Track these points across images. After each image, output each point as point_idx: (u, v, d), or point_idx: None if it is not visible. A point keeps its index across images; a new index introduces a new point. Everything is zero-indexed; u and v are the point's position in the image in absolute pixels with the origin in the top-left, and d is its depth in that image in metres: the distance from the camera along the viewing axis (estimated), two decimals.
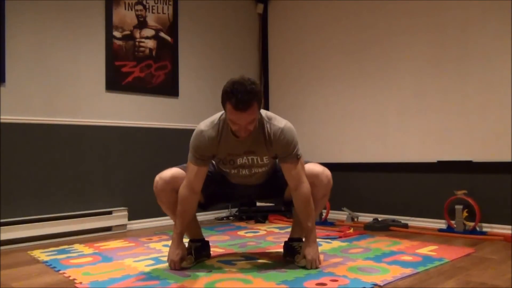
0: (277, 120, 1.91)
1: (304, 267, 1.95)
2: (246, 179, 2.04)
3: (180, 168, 2.06)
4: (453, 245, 2.42)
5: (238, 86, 1.69)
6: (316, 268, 1.94)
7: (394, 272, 1.86)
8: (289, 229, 2.25)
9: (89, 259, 2.23)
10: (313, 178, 1.98)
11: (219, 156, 1.95)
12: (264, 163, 1.97)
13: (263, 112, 1.93)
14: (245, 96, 1.67)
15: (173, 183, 1.99)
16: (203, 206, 2.16)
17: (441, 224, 3.00)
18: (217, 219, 3.68)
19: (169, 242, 2.64)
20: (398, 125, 3.26)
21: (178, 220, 1.97)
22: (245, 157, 1.94)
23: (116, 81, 3.24)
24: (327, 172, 2.01)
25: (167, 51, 3.54)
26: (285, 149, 1.88)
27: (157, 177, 2.01)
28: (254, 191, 2.15)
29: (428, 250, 2.30)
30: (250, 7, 4.20)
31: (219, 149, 1.91)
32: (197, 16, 3.78)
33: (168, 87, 3.53)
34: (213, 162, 2.15)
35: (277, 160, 2.08)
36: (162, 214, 3.40)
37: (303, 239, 2.12)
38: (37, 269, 2.07)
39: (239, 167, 1.98)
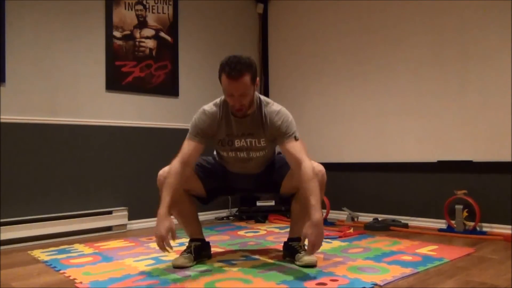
0: (274, 104, 2.02)
1: (304, 267, 1.95)
2: (245, 164, 2.06)
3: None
4: (453, 245, 2.43)
5: (232, 58, 1.85)
6: (315, 254, 1.77)
7: (394, 272, 1.86)
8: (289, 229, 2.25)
9: (89, 259, 2.23)
10: None
11: (218, 136, 2.00)
12: (262, 146, 2.00)
13: (261, 97, 2.03)
14: (238, 65, 1.81)
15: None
16: (204, 201, 2.17)
17: (441, 224, 3.00)
18: (217, 219, 3.68)
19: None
20: (398, 125, 3.26)
21: (166, 192, 1.88)
22: (243, 139, 1.99)
23: (116, 81, 3.24)
24: (320, 167, 1.98)
25: (167, 51, 3.54)
26: (281, 130, 1.94)
27: (161, 172, 2.01)
28: (253, 182, 2.15)
29: (428, 250, 2.30)
30: (250, 7, 4.20)
31: (219, 128, 1.98)
32: (197, 16, 3.78)
33: (168, 87, 3.53)
34: (213, 155, 2.18)
35: (275, 154, 2.10)
36: None
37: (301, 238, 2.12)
38: (37, 269, 2.07)
39: (237, 149, 2.01)
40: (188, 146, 1.98)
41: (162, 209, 1.85)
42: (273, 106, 2.00)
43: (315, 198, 1.80)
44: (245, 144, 2.00)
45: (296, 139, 1.94)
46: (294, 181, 1.97)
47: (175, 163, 1.94)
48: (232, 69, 1.81)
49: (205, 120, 1.99)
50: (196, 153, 1.98)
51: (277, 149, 2.24)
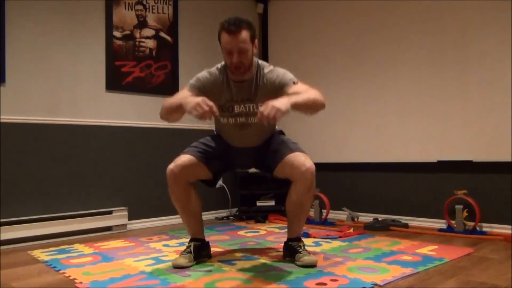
0: (270, 66, 2.07)
1: (304, 267, 1.95)
2: (243, 131, 2.08)
3: (192, 154, 2.05)
4: (453, 245, 2.43)
5: (231, 16, 1.93)
6: (269, 118, 1.66)
7: (394, 272, 1.86)
8: None
9: (89, 258, 2.23)
10: (292, 169, 1.96)
11: (219, 102, 2.03)
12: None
13: (260, 61, 2.07)
14: (236, 21, 1.89)
15: (187, 172, 2.01)
16: (211, 183, 2.20)
17: (441, 224, 3.00)
18: (217, 219, 3.68)
19: (170, 242, 2.65)
20: (398, 125, 3.26)
21: (178, 99, 1.94)
22: (242, 105, 2.04)
23: (116, 81, 3.24)
24: (310, 163, 1.94)
25: (167, 51, 3.54)
26: (278, 83, 1.98)
27: (172, 166, 2.00)
28: (252, 158, 2.18)
29: (428, 250, 2.31)
30: (250, 7, 4.20)
31: (220, 92, 2.02)
32: (197, 16, 3.78)
33: (168, 87, 3.53)
34: (214, 134, 2.22)
35: (276, 128, 2.18)
36: (162, 214, 3.42)
37: (301, 238, 2.13)
38: (37, 269, 2.07)
39: (236, 115, 2.06)
40: (183, 93, 2.02)
41: (186, 98, 1.87)
42: (269, 67, 2.05)
43: (300, 95, 1.83)
44: (244, 109, 2.04)
45: (295, 83, 1.97)
46: (286, 171, 2.00)
47: (171, 98, 1.99)
48: (231, 24, 1.88)
49: (209, 78, 2.04)
50: None
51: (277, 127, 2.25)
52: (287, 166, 1.98)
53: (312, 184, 1.97)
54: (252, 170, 3.59)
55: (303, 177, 1.93)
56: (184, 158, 2.02)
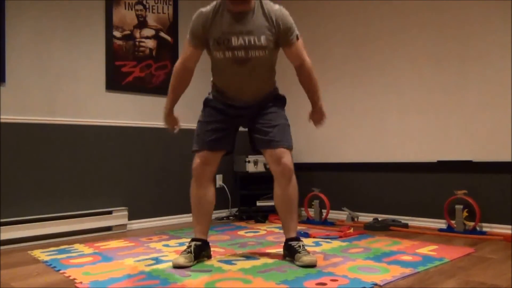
0: (275, 4, 2.08)
1: (304, 267, 1.95)
2: (243, 67, 2.01)
3: (210, 149, 2.12)
4: (453, 245, 2.43)
5: None
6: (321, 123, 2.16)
7: (394, 272, 1.86)
8: None
9: (89, 258, 2.23)
10: (270, 163, 2.10)
11: (213, 35, 2.00)
12: (262, 45, 1.98)
13: None
14: None
15: (212, 166, 2.14)
16: (230, 152, 2.24)
17: (441, 224, 3.00)
18: (217, 219, 3.68)
19: (170, 242, 2.65)
20: (398, 125, 3.26)
21: (171, 94, 2.21)
22: (240, 37, 1.97)
23: (116, 81, 3.24)
24: (283, 161, 2.04)
25: (167, 51, 3.54)
26: (285, 28, 2.01)
27: (199, 162, 2.13)
28: (247, 118, 2.17)
29: (428, 249, 2.31)
30: None
31: (213, 26, 2.00)
32: None
33: (168, 87, 3.52)
34: (207, 98, 2.26)
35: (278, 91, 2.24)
36: (162, 214, 3.43)
37: (300, 237, 2.14)
38: (37, 269, 2.07)
39: (234, 48, 1.98)
40: (186, 50, 2.11)
41: (166, 108, 2.24)
42: (275, 5, 2.05)
43: (316, 92, 2.16)
44: (243, 42, 1.97)
45: (297, 38, 2.07)
46: (266, 160, 2.13)
47: (178, 64, 2.15)
48: None
49: (198, 21, 2.04)
50: (194, 58, 2.11)
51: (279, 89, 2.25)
52: (266, 157, 2.12)
53: (291, 177, 2.08)
54: (252, 170, 3.62)
55: (281, 174, 2.07)
56: (207, 155, 2.12)
